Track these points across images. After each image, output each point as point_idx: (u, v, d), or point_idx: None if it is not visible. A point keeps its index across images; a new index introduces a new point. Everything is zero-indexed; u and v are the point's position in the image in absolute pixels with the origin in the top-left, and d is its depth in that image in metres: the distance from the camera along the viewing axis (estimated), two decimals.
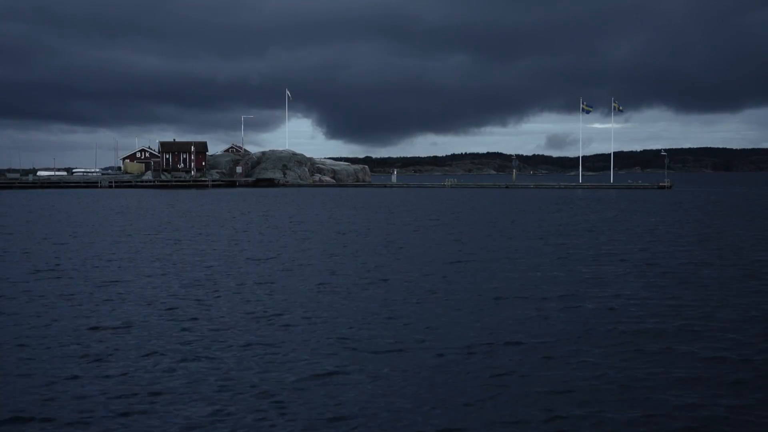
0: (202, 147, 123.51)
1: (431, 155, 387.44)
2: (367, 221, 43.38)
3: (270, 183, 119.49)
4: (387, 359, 11.97)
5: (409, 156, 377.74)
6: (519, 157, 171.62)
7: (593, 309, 16.03)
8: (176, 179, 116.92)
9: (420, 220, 44.72)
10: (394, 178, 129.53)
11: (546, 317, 15.16)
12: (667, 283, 19.67)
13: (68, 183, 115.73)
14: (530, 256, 25.69)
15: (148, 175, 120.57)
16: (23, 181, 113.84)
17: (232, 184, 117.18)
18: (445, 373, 11.22)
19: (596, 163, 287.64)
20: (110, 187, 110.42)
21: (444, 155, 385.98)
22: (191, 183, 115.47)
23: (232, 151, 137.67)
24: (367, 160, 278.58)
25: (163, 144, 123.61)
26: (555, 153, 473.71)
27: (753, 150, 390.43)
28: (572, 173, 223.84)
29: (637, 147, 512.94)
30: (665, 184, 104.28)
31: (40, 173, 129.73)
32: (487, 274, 21.26)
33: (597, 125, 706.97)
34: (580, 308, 16.14)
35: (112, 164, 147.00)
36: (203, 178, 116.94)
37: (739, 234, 34.45)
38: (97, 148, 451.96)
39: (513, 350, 12.55)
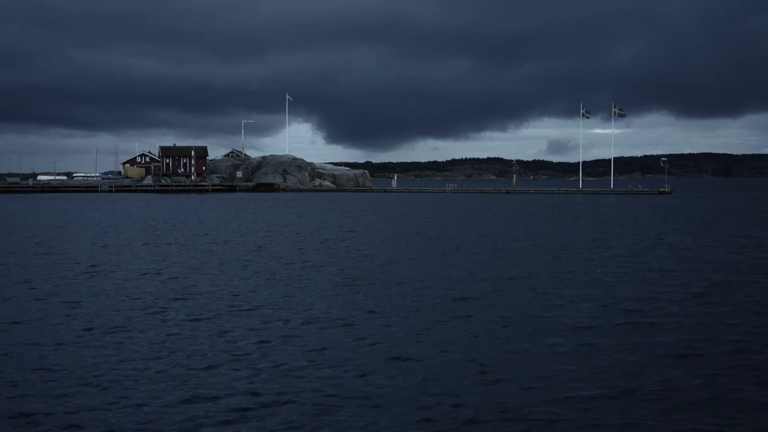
0: (202, 152, 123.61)
1: (431, 160, 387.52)
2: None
3: (270, 188, 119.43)
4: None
5: (409, 161, 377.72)
6: (519, 162, 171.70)
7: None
8: (176, 184, 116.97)
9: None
10: (394, 183, 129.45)
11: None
12: None
13: (68, 187, 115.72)
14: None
15: (149, 180, 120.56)
16: (23, 186, 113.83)
17: (232, 189, 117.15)
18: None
19: (597, 168, 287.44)
20: (110, 191, 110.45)
21: (444, 160, 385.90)
22: (191, 188, 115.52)
23: (232, 156, 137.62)
24: (367, 165, 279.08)
25: (163, 148, 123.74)
26: (555, 158, 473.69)
27: (753, 156, 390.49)
28: (572, 178, 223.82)
29: (638, 152, 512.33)
30: (665, 189, 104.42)
31: (40, 177, 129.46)
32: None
33: (597, 130, 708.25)
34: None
35: (113, 168, 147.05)
36: (203, 183, 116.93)
37: None
38: (97, 153, 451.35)
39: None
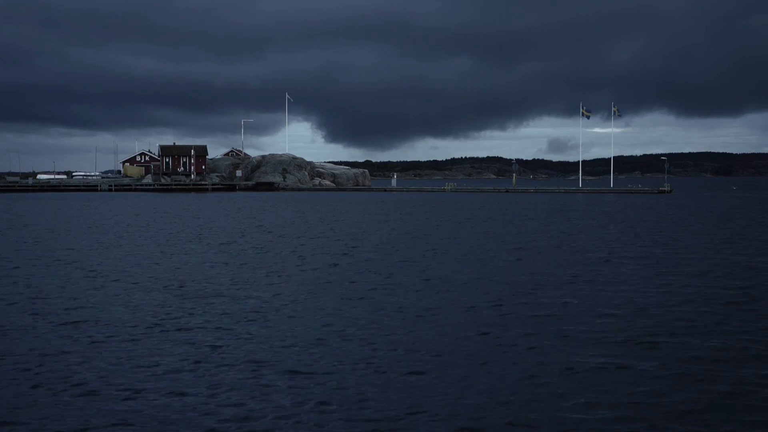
0: (202, 151, 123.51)
1: (431, 159, 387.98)
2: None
3: (270, 187, 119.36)
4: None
5: (409, 160, 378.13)
6: (519, 161, 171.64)
7: None
8: (176, 183, 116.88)
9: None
10: (393, 182, 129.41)
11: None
12: None
13: (68, 186, 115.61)
14: None
15: (148, 179, 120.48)
16: (23, 185, 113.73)
17: (232, 188, 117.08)
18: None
19: (597, 167, 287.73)
20: (110, 190, 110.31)
21: (444, 159, 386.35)
22: (191, 187, 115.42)
23: (232, 155, 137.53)
24: (367, 164, 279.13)
25: (163, 148, 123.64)
26: (555, 157, 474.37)
27: (753, 155, 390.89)
28: (572, 178, 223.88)
29: (638, 151, 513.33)
30: (665, 188, 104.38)
31: (40, 176, 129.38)
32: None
33: (597, 130, 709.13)
34: None
35: (112, 167, 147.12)
36: (203, 182, 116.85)
37: None
38: (97, 152, 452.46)
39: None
